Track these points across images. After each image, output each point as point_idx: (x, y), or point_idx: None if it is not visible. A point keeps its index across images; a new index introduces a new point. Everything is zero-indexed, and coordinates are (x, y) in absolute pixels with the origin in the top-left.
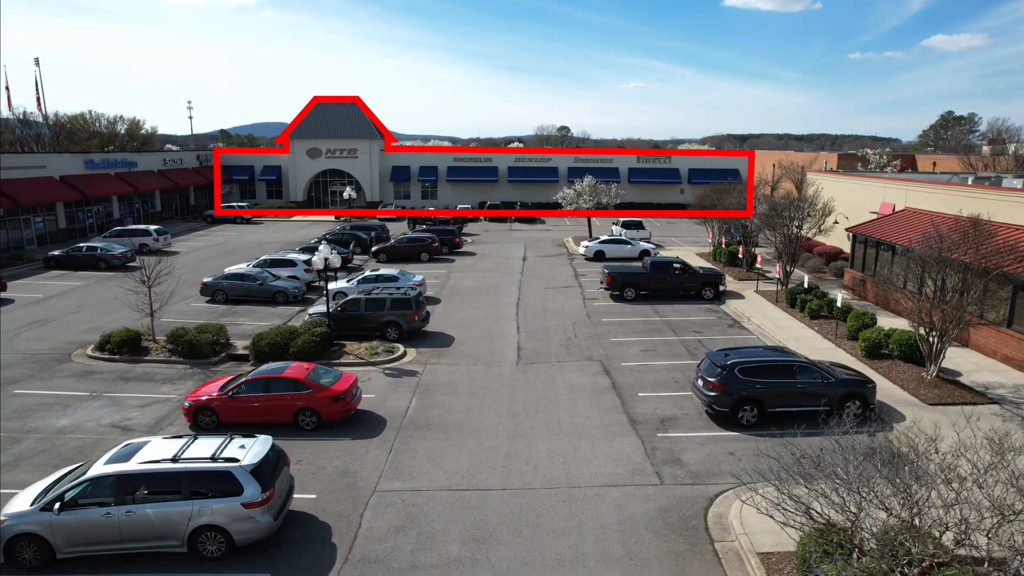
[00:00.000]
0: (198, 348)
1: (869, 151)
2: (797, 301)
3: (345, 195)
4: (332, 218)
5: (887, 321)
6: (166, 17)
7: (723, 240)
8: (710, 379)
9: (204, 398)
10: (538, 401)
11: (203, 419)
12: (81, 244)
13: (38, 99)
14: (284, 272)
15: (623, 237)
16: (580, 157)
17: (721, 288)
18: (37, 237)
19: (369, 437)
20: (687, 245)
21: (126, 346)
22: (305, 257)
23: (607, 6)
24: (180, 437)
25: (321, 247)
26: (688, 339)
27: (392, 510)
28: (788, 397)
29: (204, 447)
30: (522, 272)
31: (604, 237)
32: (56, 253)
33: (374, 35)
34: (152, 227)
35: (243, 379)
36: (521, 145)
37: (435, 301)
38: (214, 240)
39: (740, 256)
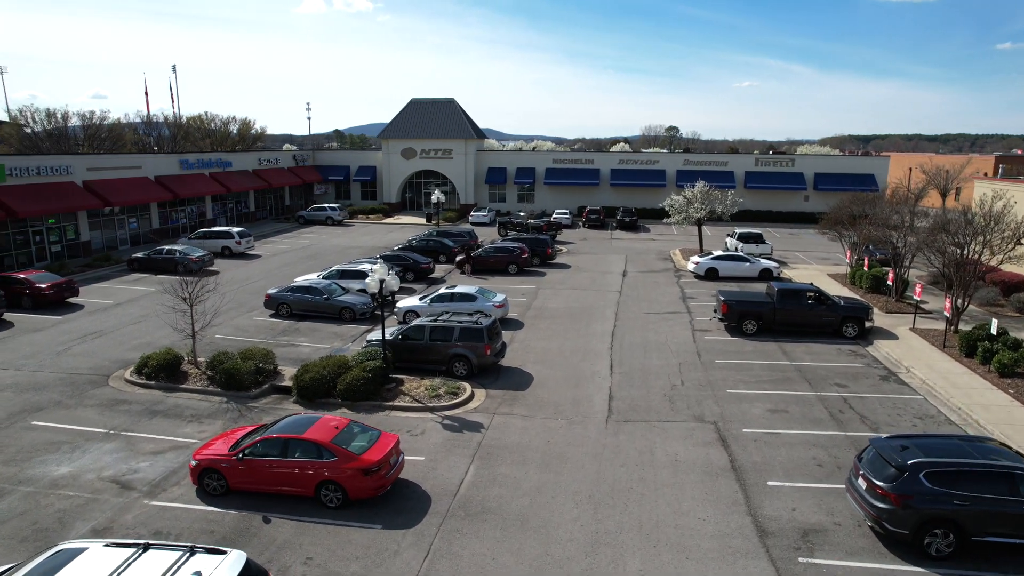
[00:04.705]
0: (236, 379)
1: None
2: (978, 350)
3: (433, 198)
4: (423, 222)
5: None
6: (291, 24)
7: (865, 261)
8: (879, 483)
9: (212, 457)
10: (630, 483)
11: (209, 483)
12: (163, 247)
13: (172, 102)
14: (355, 284)
15: (740, 253)
16: (690, 159)
17: (868, 325)
18: (131, 237)
19: (405, 527)
20: (815, 263)
21: (164, 371)
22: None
23: (720, 2)
24: (127, 546)
25: (375, 267)
26: (829, 396)
27: None
28: (1005, 522)
29: (152, 566)
30: (620, 291)
31: (718, 252)
32: (139, 255)
33: (483, 37)
34: (235, 229)
35: (258, 436)
36: (628, 147)
37: (517, 325)
38: (299, 243)
39: (890, 282)
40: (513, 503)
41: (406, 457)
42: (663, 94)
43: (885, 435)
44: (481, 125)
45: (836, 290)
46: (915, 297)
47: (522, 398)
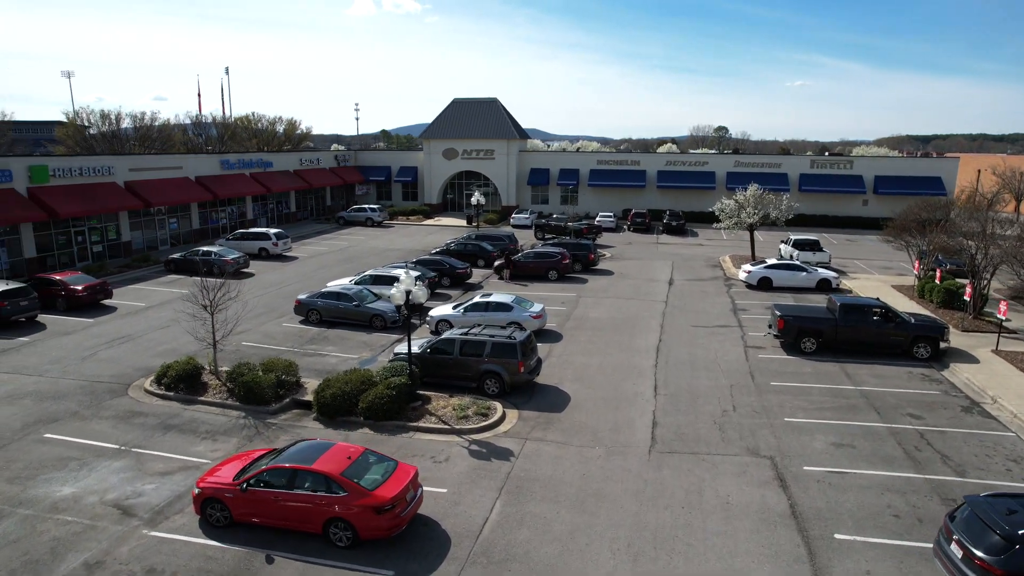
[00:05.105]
0: (256, 393)
1: None
2: None
3: (474, 200)
4: (463, 224)
5: None
6: (342, 26)
7: (937, 272)
8: (979, 553)
9: (215, 486)
10: (675, 530)
11: (213, 513)
12: (199, 248)
13: (223, 103)
14: (387, 291)
15: (796, 261)
16: (741, 160)
17: (943, 345)
18: (171, 237)
19: (419, 574)
20: (877, 273)
21: (183, 381)
22: (415, 273)
23: None
24: None
25: (402, 276)
26: (902, 429)
27: None
28: None
29: None
30: (666, 301)
31: (771, 260)
32: (175, 256)
33: (531, 37)
34: (272, 230)
35: (264, 465)
36: (675, 147)
37: (555, 337)
38: (338, 245)
39: (967, 298)
40: (542, 550)
41: (428, 489)
42: (712, 94)
43: (984, 493)
44: (527, 125)
45: (902, 304)
46: (999, 316)
47: (557, 421)
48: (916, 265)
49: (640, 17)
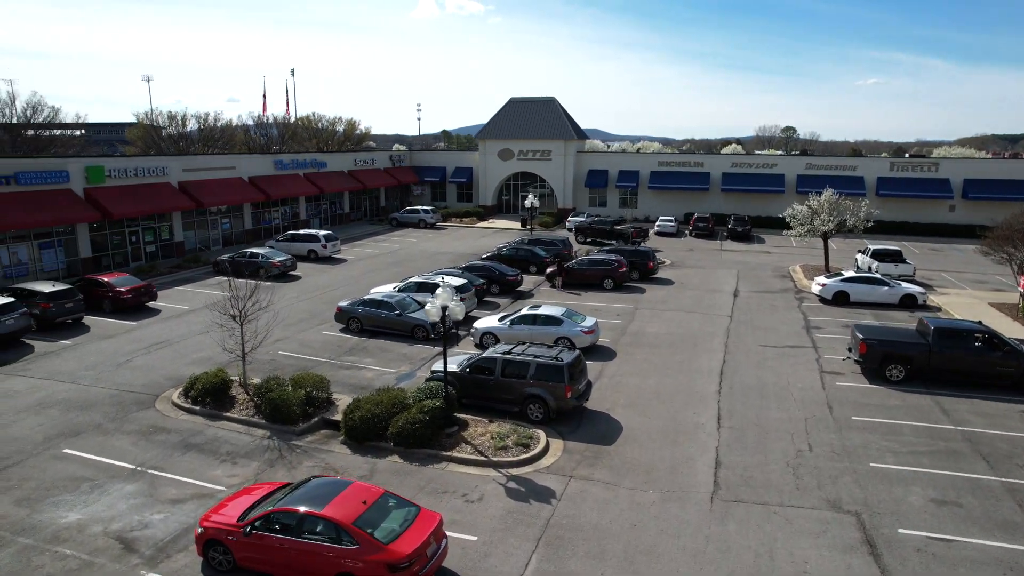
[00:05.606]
0: (282, 411)
1: None
2: None
3: (527, 202)
4: (518, 226)
5: None
6: (406, 28)
7: None
8: None
9: (218, 527)
10: None
11: (215, 556)
12: (246, 249)
13: (287, 105)
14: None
15: (877, 274)
16: (813, 162)
17: None
18: (223, 238)
19: None
20: (968, 287)
21: (210, 395)
22: (459, 282)
23: None
24: None
25: (439, 291)
26: (1022, 485)
27: None
28: None
29: None
30: (731, 316)
31: (849, 273)
32: (223, 258)
33: (593, 37)
34: (322, 232)
35: (271, 506)
36: (740, 148)
37: (608, 354)
38: (389, 247)
39: None
40: None
41: (455, 535)
42: (778, 93)
43: None
44: (586, 125)
45: (1003, 325)
46: None
47: (606, 456)
48: (1021, 281)
49: (704, 15)
